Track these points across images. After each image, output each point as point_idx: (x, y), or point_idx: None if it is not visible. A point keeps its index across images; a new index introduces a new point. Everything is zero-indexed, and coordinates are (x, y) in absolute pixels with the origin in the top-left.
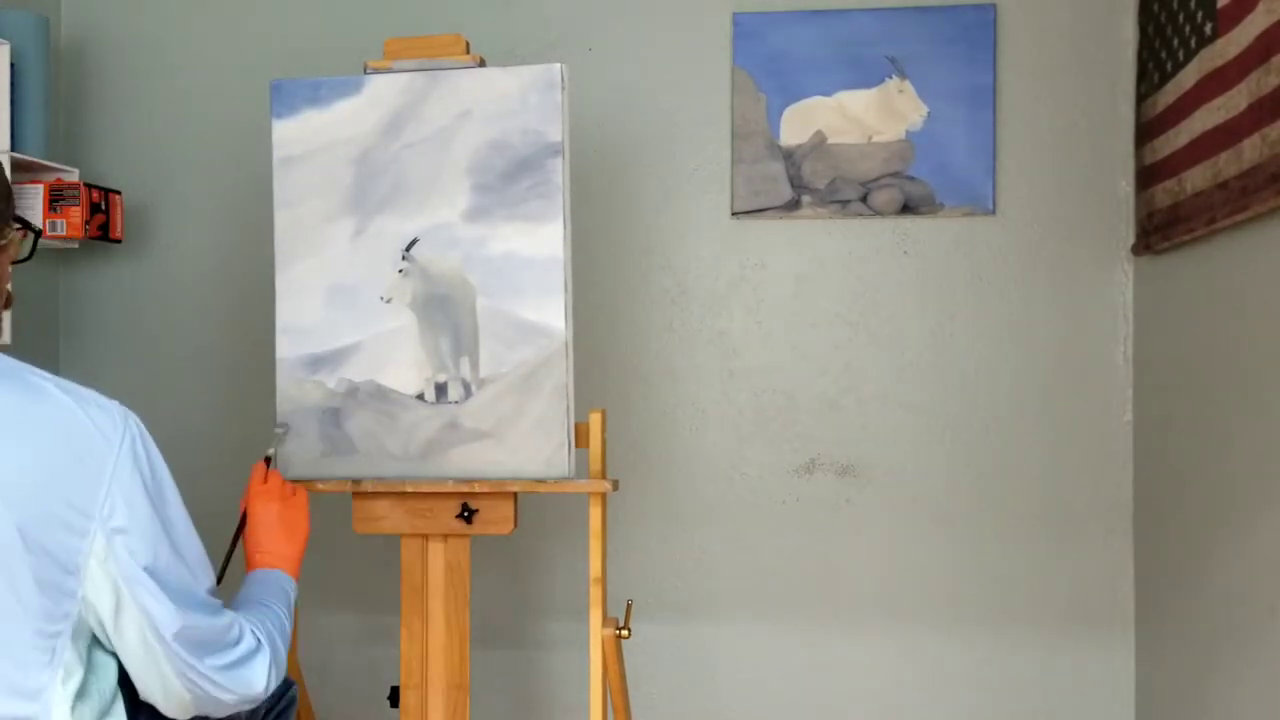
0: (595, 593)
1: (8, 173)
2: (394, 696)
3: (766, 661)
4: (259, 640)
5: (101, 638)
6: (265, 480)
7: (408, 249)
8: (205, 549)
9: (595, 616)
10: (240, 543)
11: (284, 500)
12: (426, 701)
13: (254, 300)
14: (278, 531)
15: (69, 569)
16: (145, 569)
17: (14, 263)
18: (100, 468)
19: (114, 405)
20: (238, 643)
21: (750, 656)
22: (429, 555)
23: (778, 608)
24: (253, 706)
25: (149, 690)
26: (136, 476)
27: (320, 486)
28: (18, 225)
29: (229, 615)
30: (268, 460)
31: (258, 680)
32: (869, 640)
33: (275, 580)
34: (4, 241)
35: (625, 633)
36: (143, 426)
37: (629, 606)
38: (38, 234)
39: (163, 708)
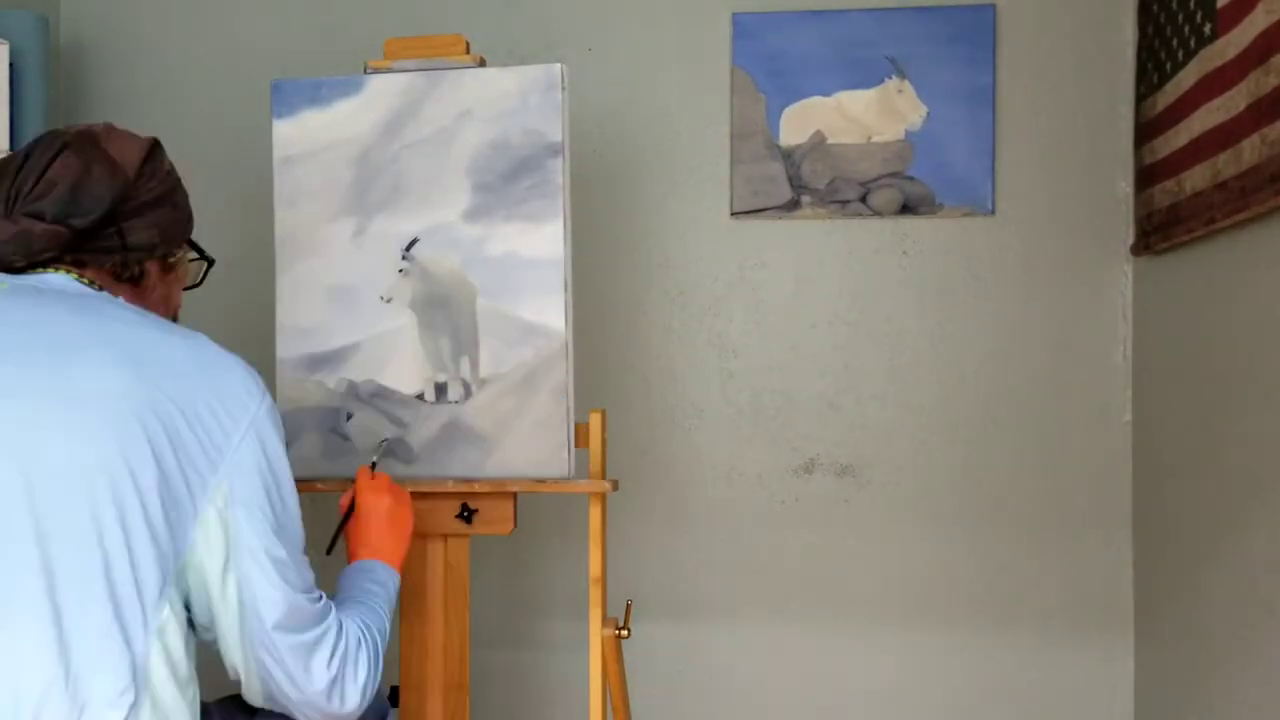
0: (595, 593)
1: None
2: (393, 696)
3: (766, 661)
4: (350, 641)
5: (201, 602)
6: (373, 478)
7: (408, 249)
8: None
9: (595, 616)
10: (342, 538)
11: (395, 495)
12: (426, 702)
13: (254, 300)
14: (386, 528)
15: (186, 509)
16: (260, 535)
17: (185, 288)
18: (237, 418)
19: (256, 373)
20: (324, 634)
21: (750, 656)
22: (428, 555)
23: (777, 608)
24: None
25: (232, 661)
26: (271, 437)
27: (320, 486)
28: (194, 255)
29: (328, 620)
30: (372, 466)
31: (317, 674)
32: (868, 640)
33: (381, 574)
34: (173, 260)
35: (625, 633)
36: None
37: (629, 606)
38: (211, 262)
39: (243, 687)
